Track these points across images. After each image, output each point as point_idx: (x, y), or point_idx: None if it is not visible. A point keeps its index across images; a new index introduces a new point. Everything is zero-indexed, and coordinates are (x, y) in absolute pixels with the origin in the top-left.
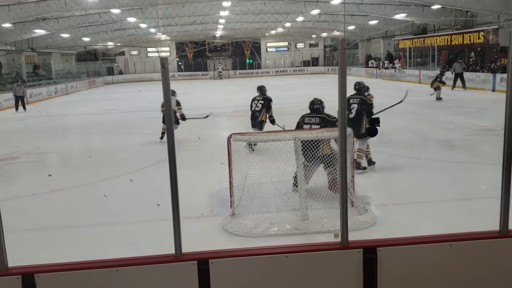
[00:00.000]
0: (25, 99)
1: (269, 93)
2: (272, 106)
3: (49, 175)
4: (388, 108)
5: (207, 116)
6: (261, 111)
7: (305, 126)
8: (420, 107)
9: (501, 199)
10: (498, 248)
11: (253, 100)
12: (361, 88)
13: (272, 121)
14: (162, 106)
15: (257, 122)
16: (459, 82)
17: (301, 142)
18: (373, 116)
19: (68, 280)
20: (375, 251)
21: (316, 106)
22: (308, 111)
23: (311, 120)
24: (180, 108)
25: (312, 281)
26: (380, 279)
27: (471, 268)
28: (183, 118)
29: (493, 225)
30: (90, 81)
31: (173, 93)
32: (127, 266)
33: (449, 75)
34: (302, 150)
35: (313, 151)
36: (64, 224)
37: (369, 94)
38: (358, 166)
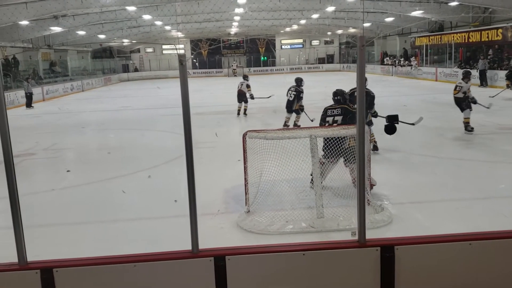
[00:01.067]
0: (32, 97)
1: (283, 91)
2: (302, 97)
3: (68, 171)
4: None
5: (270, 97)
6: (294, 101)
7: (328, 118)
8: (438, 105)
9: None
10: None
11: (288, 90)
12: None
13: (302, 109)
14: (238, 87)
15: (291, 110)
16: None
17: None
18: (392, 114)
19: (86, 275)
20: (393, 250)
21: (337, 97)
22: (331, 103)
23: (333, 112)
24: (250, 90)
25: (329, 279)
26: (397, 277)
27: (491, 267)
28: (252, 97)
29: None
30: (106, 78)
31: (245, 77)
32: (144, 261)
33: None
34: (324, 145)
35: (337, 144)
36: (82, 219)
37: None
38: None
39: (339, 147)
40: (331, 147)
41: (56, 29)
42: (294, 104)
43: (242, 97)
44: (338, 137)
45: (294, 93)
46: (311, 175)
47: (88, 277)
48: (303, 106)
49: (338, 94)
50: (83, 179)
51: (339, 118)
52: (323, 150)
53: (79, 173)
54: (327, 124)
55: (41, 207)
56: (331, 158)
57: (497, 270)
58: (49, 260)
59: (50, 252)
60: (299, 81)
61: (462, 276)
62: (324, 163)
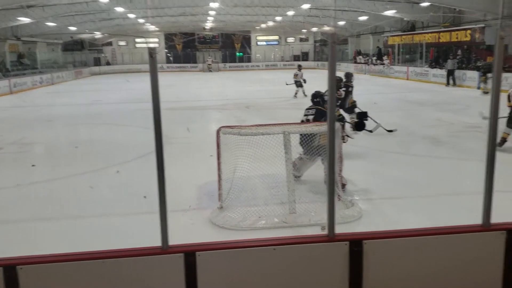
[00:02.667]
0: None
1: (258, 87)
2: (351, 92)
3: (33, 165)
4: (364, 118)
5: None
6: (346, 98)
7: (303, 118)
8: (409, 104)
9: (484, 194)
10: (481, 241)
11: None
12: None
13: (354, 107)
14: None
15: (345, 108)
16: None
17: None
18: (361, 111)
19: (52, 272)
20: (361, 244)
21: (316, 99)
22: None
23: (308, 112)
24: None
25: (299, 273)
26: (365, 270)
27: (455, 261)
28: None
29: (477, 219)
30: (77, 72)
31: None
32: (113, 258)
33: (442, 72)
34: (301, 142)
35: (310, 142)
36: (49, 215)
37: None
38: None
39: (312, 144)
40: (308, 143)
41: (25, 19)
42: (347, 101)
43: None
44: (311, 134)
45: (344, 88)
46: (293, 164)
47: (54, 274)
48: (355, 102)
49: (316, 96)
50: (51, 174)
51: (311, 118)
52: (301, 146)
53: (47, 168)
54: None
55: (6, 203)
56: (310, 154)
57: (459, 263)
58: (13, 257)
59: (14, 249)
60: (349, 76)
61: (428, 269)
62: (302, 158)
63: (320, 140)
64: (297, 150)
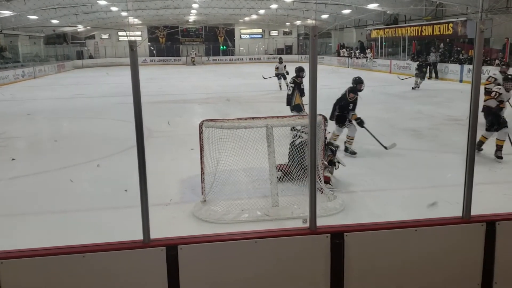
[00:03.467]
0: None
1: (241, 81)
2: (302, 89)
3: (13, 159)
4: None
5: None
6: (293, 95)
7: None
8: (390, 97)
9: (464, 186)
10: (461, 233)
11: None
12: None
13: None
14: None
15: (293, 106)
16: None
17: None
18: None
19: (33, 266)
20: (342, 236)
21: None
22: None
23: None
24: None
25: (281, 266)
26: (347, 262)
27: (435, 253)
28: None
29: (457, 211)
30: (59, 65)
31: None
32: (94, 252)
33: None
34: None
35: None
36: (29, 210)
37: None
38: (346, 150)
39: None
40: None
41: (6, 12)
42: (293, 98)
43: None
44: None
45: (293, 85)
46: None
47: (34, 269)
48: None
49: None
50: (32, 169)
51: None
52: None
53: (28, 162)
54: None
55: None
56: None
57: (440, 255)
58: None
59: None
60: (299, 71)
61: (409, 260)
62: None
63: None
64: (279, 142)
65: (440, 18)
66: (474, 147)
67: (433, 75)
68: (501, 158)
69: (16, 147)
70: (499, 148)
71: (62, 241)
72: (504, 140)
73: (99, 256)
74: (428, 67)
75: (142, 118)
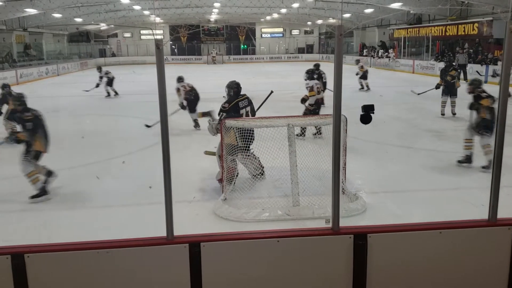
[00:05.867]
0: None
1: (264, 79)
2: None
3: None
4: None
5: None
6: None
7: (241, 111)
8: (413, 97)
9: (491, 189)
10: (487, 236)
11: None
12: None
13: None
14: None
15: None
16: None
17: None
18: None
19: (59, 260)
20: (366, 237)
21: (239, 88)
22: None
23: (244, 103)
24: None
25: (303, 266)
26: (369, 264)
27: (460, 255)
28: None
29: (482, 214)
30: (82, 63)
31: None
32: (118, 248)
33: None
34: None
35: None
36: (55, 205)
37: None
38: None
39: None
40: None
41: (31, 10)
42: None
43: None
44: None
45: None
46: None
47: (60, 263)
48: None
49: (237, 86)
50: (58, 164)
51: (248, 109)
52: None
53: (54, 158)
54: (244, 116)
55: (13, 193)
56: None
57: (465, 258)
58: (20, 245)
59: (22, 238)
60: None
61: (432, 263)
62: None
63: None
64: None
65: (464, 18)
66: (501, 149)
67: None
68: None
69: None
70: None
71: (86, 236)
72: None
73: (123, 251)
74: (460, 69)
75: (167, 115)
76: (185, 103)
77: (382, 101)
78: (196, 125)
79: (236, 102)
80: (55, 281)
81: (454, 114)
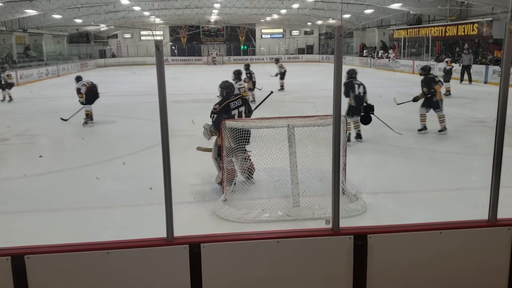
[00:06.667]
0: None
1: (262, 80)
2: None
3: (40, 156)
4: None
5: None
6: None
7: (233, 112)
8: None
9: (491, 189)
10: (487, 236)
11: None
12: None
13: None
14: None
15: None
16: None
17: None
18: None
19: (58, 261)
20: (366, 238)
21: (231, 88)
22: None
23: (235, 104)
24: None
25: (303, 266)
26: (370, 264)
27: (460, 256)
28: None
29: (482, 214)
30: (82, 64)
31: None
32: (118, 248)
33: (456, 67)
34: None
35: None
36: (55, 206)
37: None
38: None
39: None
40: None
41: (31, 12)
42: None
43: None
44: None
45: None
46: None
47: (60, 264)
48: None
49: (231, 87)
50: (57, 165)
51: (242, 109)
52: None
53: (53, 159)
54: (236, 117)
55: (12, 194)
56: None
57: (465, 258)
58: (20, 246)
59: (21, 239)
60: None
61: (433, 264)
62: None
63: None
64: (300, 143)
65: (464, 19)
66: (501, 149)
67: (465, 77)
68: None
69: (42, 144)
70: None
71: (86, 237)
72: None
73: (123, 252)
74: (464, 70)
75: (167, 116)
76: (85, 97)
77: (382, 101)
78: (88, 119)
79: (227, 103)
80: (55, 282)
81: (442, 130)
